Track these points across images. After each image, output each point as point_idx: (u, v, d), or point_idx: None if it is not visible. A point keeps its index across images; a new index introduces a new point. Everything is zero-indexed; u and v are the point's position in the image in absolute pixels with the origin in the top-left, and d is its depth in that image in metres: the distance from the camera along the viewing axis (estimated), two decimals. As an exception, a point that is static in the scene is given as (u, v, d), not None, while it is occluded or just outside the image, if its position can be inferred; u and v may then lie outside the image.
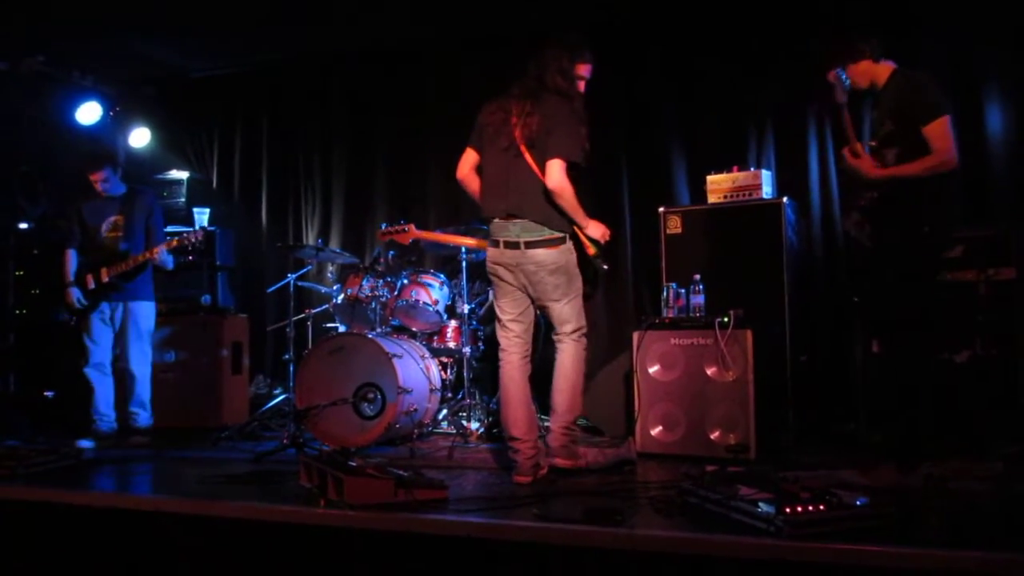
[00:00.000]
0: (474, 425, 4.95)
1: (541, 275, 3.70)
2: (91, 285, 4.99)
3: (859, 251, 3.80)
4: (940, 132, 3.29)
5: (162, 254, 4.96)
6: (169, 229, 5.69)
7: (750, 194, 4.74)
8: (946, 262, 4.01)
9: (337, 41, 6.53)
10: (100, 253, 5.04)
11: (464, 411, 5.06)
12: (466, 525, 2.85)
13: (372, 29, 6.30)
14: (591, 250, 3.82)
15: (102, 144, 6.14)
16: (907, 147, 3.38)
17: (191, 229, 5.79)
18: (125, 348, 5.02)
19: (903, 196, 3.37)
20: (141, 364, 5.05)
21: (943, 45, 5.04)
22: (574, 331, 3.79)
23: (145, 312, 5.09)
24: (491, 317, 5.68)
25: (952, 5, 5.00)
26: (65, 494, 3.47)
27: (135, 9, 5.81)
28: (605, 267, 3.95)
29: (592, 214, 3.82)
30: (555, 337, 3.84)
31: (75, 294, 5.00)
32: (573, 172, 3.67)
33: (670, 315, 4.52)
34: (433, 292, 5.14)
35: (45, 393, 6.12)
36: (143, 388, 5.05)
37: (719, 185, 4.84)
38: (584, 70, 3.75)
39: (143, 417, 5.03)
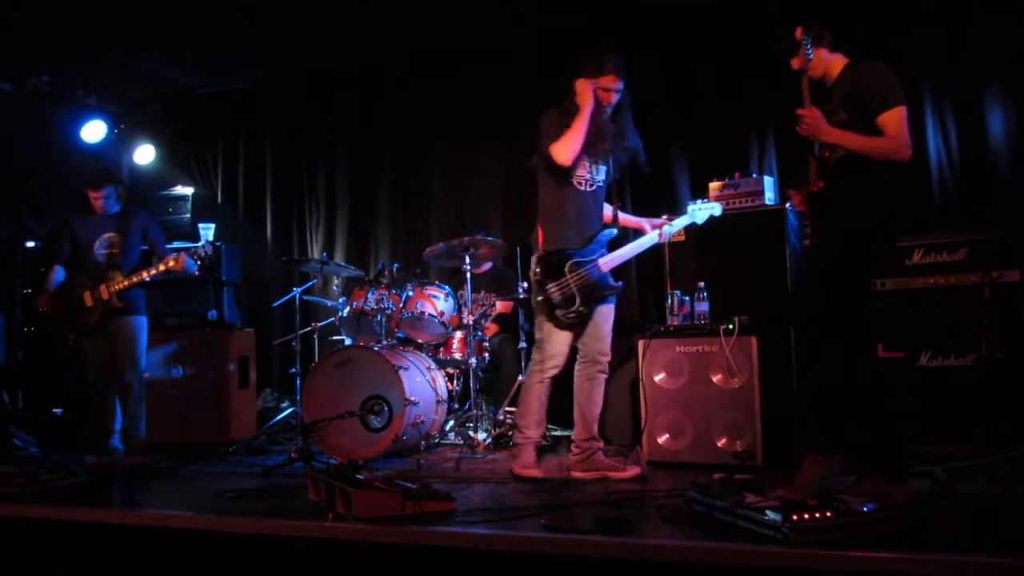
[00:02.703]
0: (481, 436, 4.95)
1: None
2: (89, 303, 4.86)
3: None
4: (895, 121, 3.17)
5: (187, 260, 4.89)
6: (175, 245, 5.71)
7: (753, 201, 4.74)
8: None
9: (338, 55, 6.57)
10: (94, 271, 4.93)
11: (471, 422, 5.06)
12: (474, 537, 2.85)
13: (373, 43, 6.34)
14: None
15: (106, 163, 6.13)
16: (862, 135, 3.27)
17: (198, 244, 5.82)
18: (122, 363, 4.89)
19: (848, 192, 3.26)
20: (137, 379, 4.92)
21: (944, 45, 5.04)
22: (534, 352, 4.02)
23: (140, 326, 4.98)
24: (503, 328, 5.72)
25: (953, 4, 5.00)
26: (74, 511, 3.47)
27: (138, 30, 5.86)
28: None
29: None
30: None
31: (47, 299, 4.94)
32: (555, 179, 3.94)
33: (675, 323, 4.52)
34: (438, 304, 5.15)
35: (54, 410, 6.13)
36: (139, 404, 4.91)
37: (722, 192, 4.84)
38: (606, 82, 3.90)
39: (139, 430, 4.92)
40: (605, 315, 3.99)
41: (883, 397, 3.31)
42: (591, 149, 3.94)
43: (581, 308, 3.89)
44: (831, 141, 3.29)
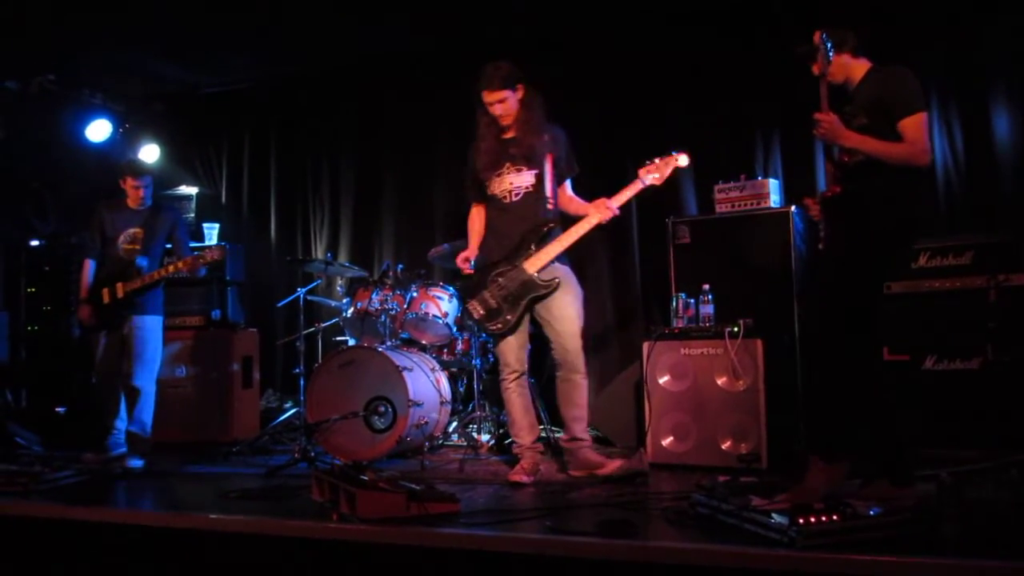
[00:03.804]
0: (484, 437, 4.95)
1: None
2: (107, 300, 4.76)
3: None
4: (915, 127, 3.16)
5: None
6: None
7: (758, 203, 4.73)
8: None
9: (343, 55, 6.57)
10: (115, 266, 4.82)
11: (474, 423, 5.06)
12: (479, 538, 2.85)
13: (377, 43, 6.34)
14: None
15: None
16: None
17: (208, 244, 5.79)
18: (131, 364, 4.75)
19: (865, 197, 3.24)
20: (147, 381, 4.78)
21: (949, 47, 5.02)
22: None
23: (153, 327, 4.84)
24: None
25: (959, 7, 4.99)
26: (77, 510, 3.47)
27: (144, 29, 5.86)
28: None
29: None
30: None
31: (87, 313, 4.81)
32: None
33: (680, 325, 4.51)
34: (443, 304, 5.14)
35: (57, 409, 6.13)
36: (145, 406, 4.77)
37: (727, 194, 4.84)
38: (484, 97, 3.93)
39: (144, 432, 4.79)
40: (556, 314, 3.93)
41: (889, 400, 3.30)
42: (490, 171, 4.02)
43: (508, 317, 3.91)
44: (849, 145, 3.26)
